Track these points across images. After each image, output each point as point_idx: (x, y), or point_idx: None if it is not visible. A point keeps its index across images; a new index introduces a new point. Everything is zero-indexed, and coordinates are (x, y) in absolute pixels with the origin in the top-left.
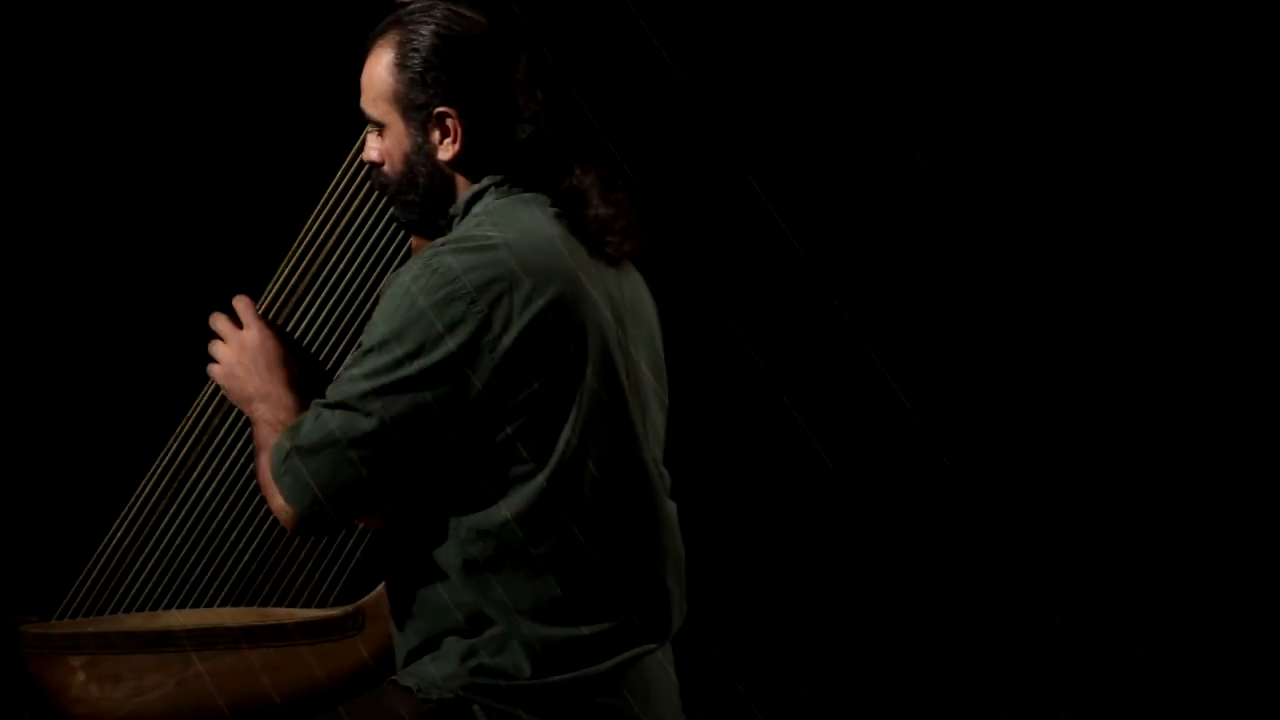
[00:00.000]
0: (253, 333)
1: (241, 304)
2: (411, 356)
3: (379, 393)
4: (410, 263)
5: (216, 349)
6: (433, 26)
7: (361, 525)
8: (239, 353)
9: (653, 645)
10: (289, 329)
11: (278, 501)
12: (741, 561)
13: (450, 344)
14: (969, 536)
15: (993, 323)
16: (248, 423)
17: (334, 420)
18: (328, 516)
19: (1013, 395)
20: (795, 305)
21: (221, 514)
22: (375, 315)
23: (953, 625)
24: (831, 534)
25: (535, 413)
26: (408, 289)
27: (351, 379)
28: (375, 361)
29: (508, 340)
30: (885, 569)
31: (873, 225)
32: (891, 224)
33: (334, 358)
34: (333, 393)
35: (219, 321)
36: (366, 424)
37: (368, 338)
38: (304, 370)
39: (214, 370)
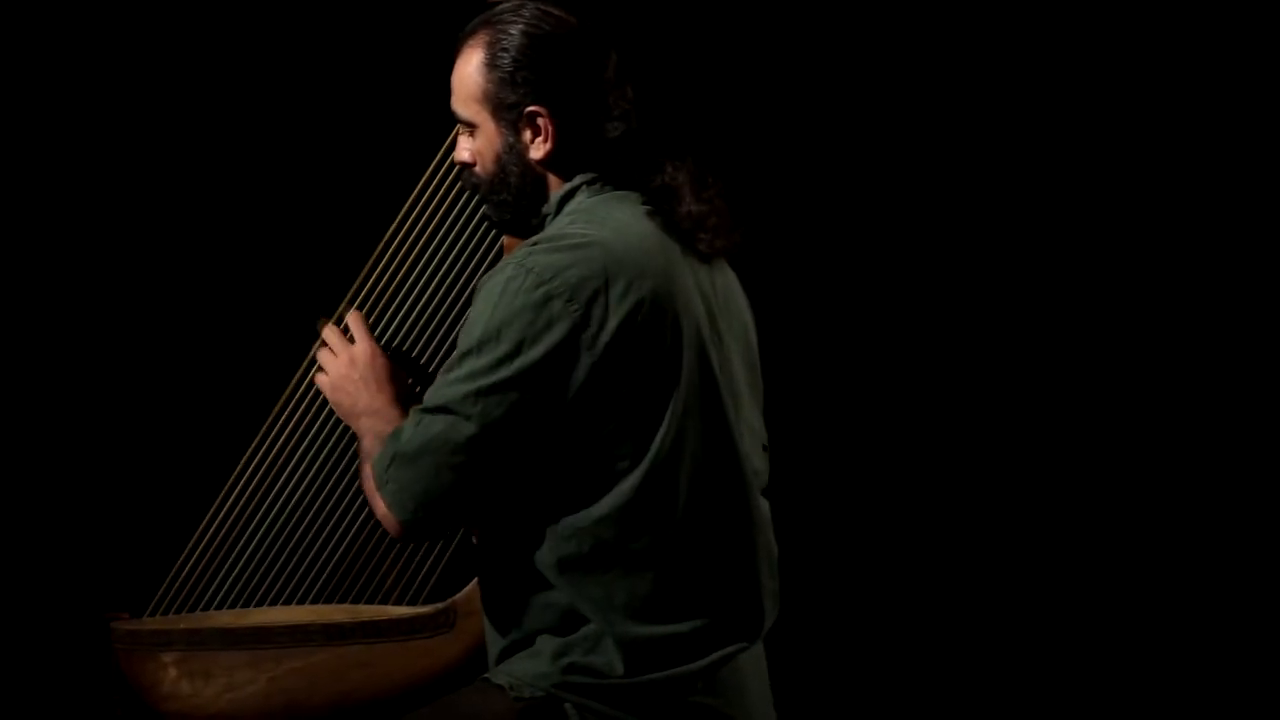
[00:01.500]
0: (363, 347)
1: (353, 318)
2: (510, 356)
3: (479, 395)
4: (504, 263)
5: (325, 360)
6: (522, 26)
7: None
8: (349, 367)
9: (745, 643)
10: (380, 327)
11: (381, 510)
12: (834, 560)
13: (548, 342)
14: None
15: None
16: (339, 420)
17: (435, 425)
18: (433, 522)
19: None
20: (886, 301)
21: (313, 511)
22: (471, 317)
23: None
24: (923, 533)
25: (632, 409)
26: (504, 289)
27: (451, 382)
28: (474, 363)
29: (605, 337)
30: (983, 570)
31: (966, 222)
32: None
33: (425, 357)
34: (432, 397)
35: (330, 333)
36: (468, 427)
37: (465, 340)
38: (412, 386)
39: (321, 381)
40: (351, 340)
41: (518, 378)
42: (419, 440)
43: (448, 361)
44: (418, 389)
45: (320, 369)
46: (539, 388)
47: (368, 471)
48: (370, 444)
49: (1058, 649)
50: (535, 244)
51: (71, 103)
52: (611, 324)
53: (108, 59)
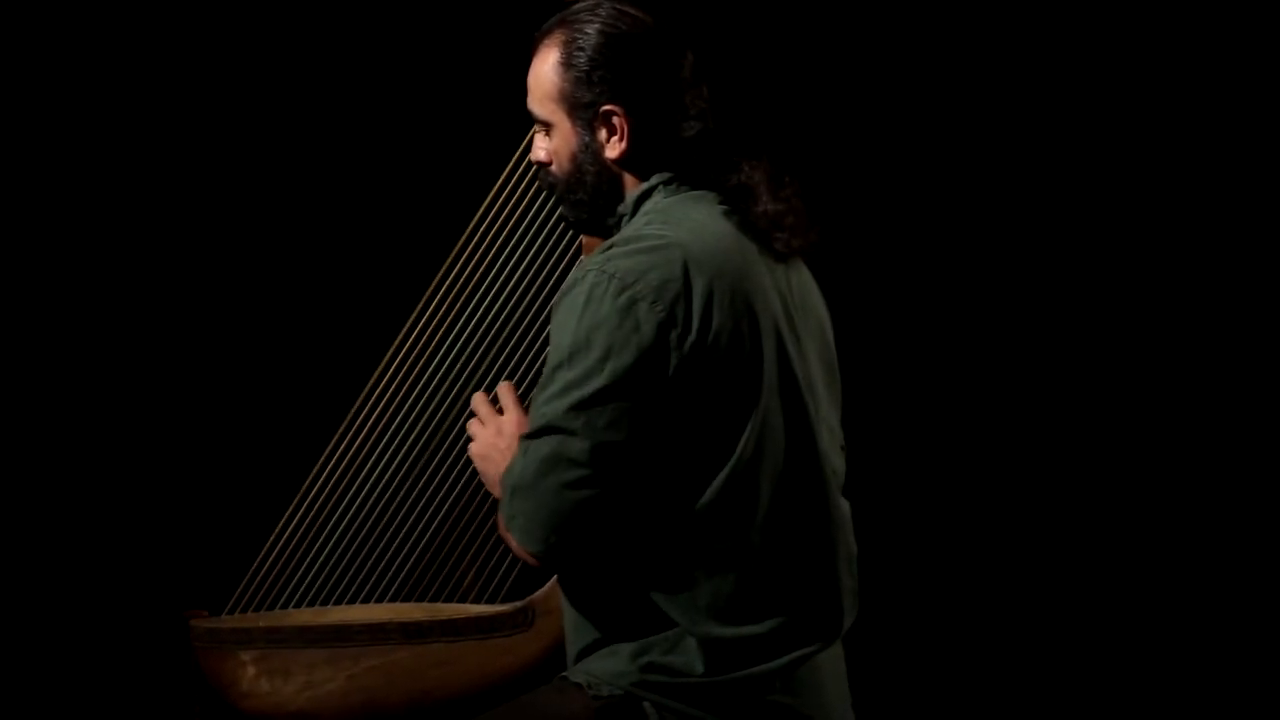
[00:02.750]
0: (511, 417)
1: (503, 389)
2: (602, 362)
3: (579, 407)
4: (582, 271)
5: (474, 430)
6: (598, 25)
7: None
8: (496, 436)
9: (823, 643)
10: (458, 328)
11: (515, 547)
12: (913, 560)
13: (637, 345)
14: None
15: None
16: (418, 419)
17: (543, 448)
18: (568, 544)
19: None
20: (963, 300)
21: (391, 510)
22: (556, 330)
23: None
24: (1003, 532)
25: (715, 410)
26: (588, 297)
27: (548, 399)
28: (567, 376)
29: (691, 337)
30: (1062, 568)
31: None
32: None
33: (503, 357)
34: (534, 420)
35: (479, 404)
36: (574, 443)
37: (555, 354)
38: None
39: (471, 450)
40: (500, 411)
41: (613, 385)
42: (532, 467)
43: (541, 379)
44: None
45: (469, 438)
46: (635, 391)
47: (500, 519)
48: None
49: (1143, 649)
50: (611, 247)
51: (154, 106)
52: (695, 324)
53: (188, 63)
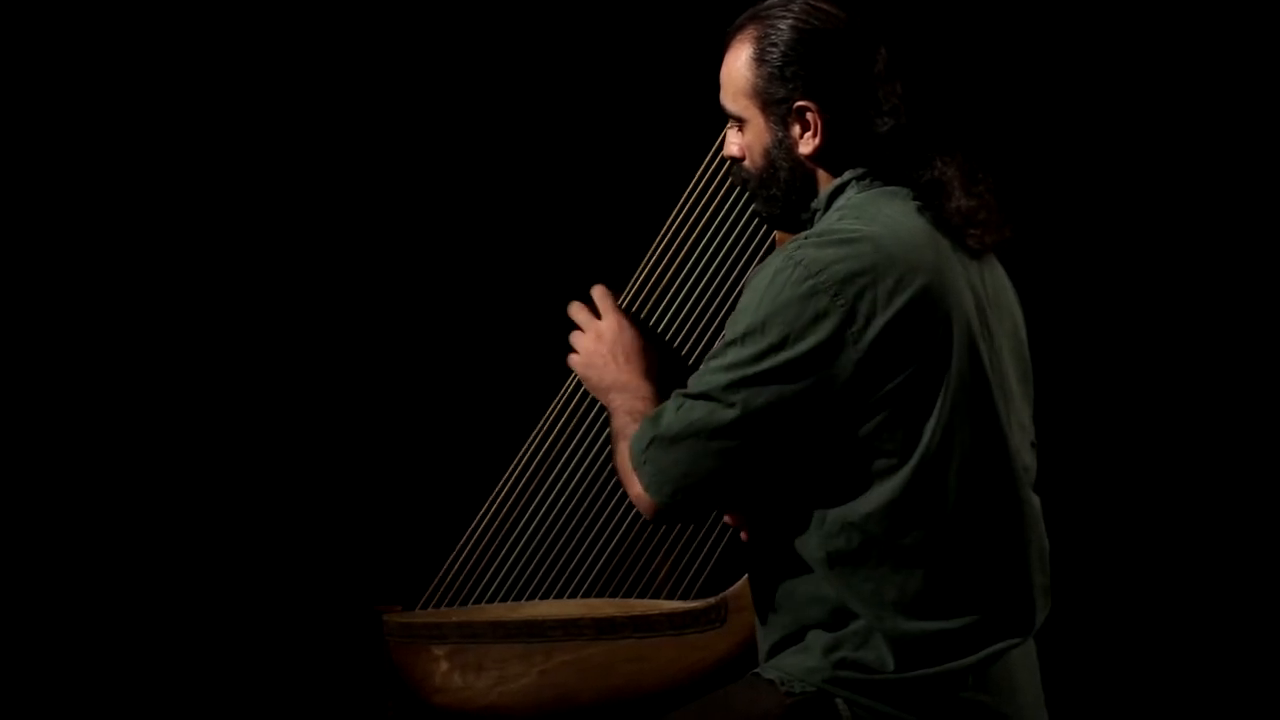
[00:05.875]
0: (610, 322)
1: (599, 293)
2: (775, 349)
3: (742, 384)
4: (774, 256)
5: (575, 339)
6: (791, 20)
7: (727, 521)
8: (596, 342)
9: (1016, 640)
10: (653, 322)
11: (636, 490)
12: (1107, 556)
13: (814, 337)
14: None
15: None
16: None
17: (696, 410)
18: (687, 507)
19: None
20: (1157, 296)
21: (584, 505)
22: (739, 308)
23: None
24: (1198, 526)
25: (901, 404)
26: (771, 281)
27: (715, 370)
28: (739, 353)
29: (871, 333)
30: (1263, 567)
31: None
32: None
33: (698, 351)
34: (696, 383)
35: (577, 311)
36: (729, 415)
37: (731, 330)
38: (661, 359)
39: (573, 360)
40: (599, 316)
41: (781, 370)
42: (679, 425)
43: (714, 349)
44: (671, 363)
45: (571, 349)
46: (802, 381)
47: (622, 449)
48: (622, 421)
49: None
50: (805, 238)
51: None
52: (879, 320)
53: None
